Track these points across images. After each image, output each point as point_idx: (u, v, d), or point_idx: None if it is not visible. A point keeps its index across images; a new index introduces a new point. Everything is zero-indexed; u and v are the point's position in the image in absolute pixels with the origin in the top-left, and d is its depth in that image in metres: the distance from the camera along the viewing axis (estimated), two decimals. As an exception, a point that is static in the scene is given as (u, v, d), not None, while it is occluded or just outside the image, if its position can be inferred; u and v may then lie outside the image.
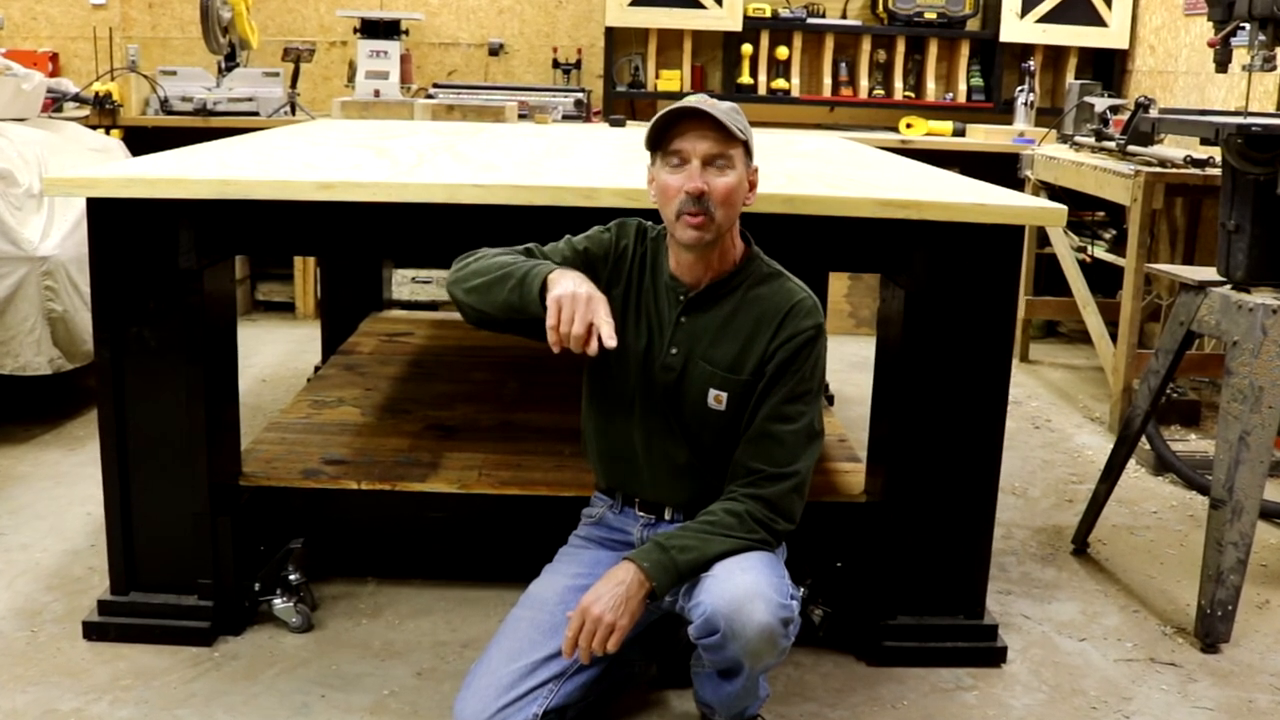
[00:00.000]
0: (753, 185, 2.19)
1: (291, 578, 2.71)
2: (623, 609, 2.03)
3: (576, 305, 2.01)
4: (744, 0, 6.08)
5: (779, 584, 2.05)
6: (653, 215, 2.24)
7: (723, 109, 2.10)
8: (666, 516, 2.30)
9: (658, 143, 2.14)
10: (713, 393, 2.20)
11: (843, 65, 6.36)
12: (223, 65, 5.81)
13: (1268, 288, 2.87)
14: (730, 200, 2.11)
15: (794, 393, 2.16)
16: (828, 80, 6.32)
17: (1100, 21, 6.11)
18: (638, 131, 4.07)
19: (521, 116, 5.57)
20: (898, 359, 2.62)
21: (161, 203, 2.44)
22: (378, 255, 4.77)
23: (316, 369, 4.31)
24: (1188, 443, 4.32)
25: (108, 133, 5.22)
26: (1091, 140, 4.97)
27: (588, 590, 2.09)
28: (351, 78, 5.82)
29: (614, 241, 2.27)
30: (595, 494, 2.44)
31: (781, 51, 6.27)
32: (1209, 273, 3.05)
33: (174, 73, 5.79)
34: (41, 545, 3.14)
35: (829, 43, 6.28)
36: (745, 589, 2.00)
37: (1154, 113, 4.36)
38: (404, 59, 5.83)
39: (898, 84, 6.33)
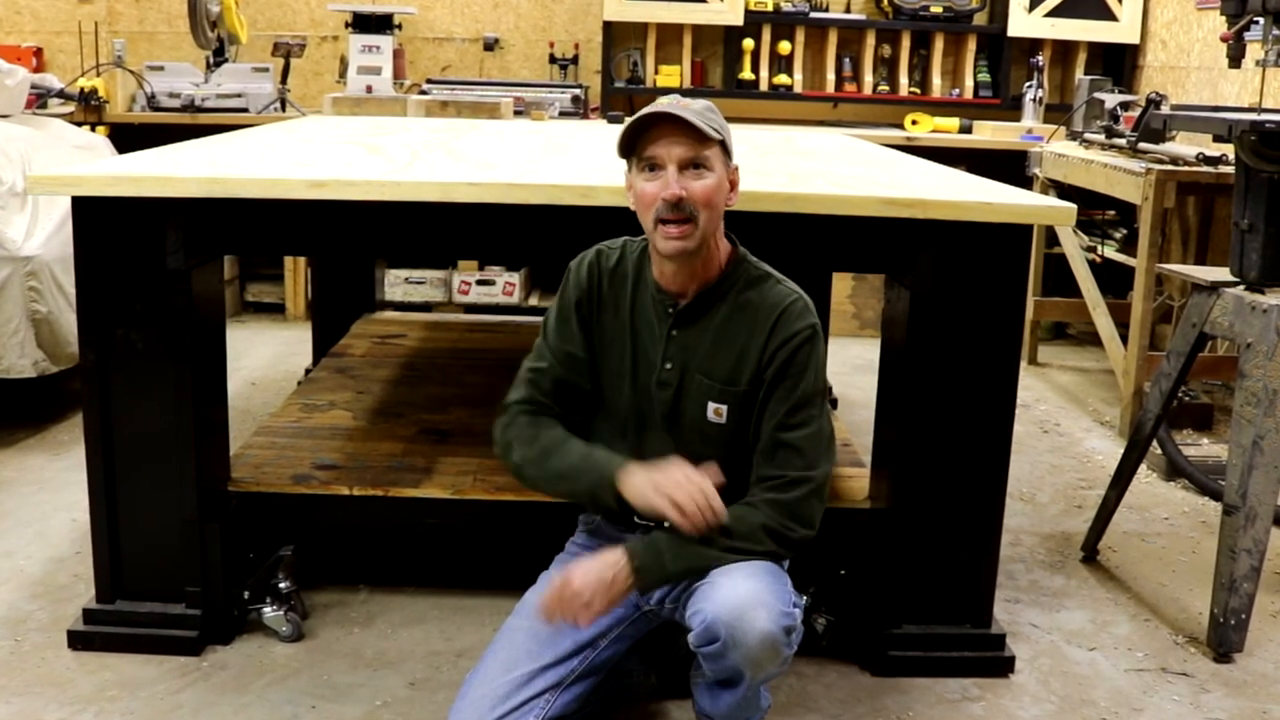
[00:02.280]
0: (734, 185, 2.17)
1: (281, 586, 2.71)
2: (601, 593, 2.05)
3: (687, 488, 2.04)
4: (745, -6, 6.10)
5: (781, 592, 2.06)
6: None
7: (695, 109, 2.09)
8: (666, 527, 2.29)
9: (630, 149, 2.13)
10: (712, 406, 2.19)
11: (846, 60, 6.37)
12: (211, 60, 5.82)
13: (1282, 288, 2.88)
14: (711, 203, 2.09)
15: (800, 398, 2.15)
16: (831, 76, 6.33)
17: (1110, 16, 6.12)
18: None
19: (517, 113, 5.58)
20: (903, 362, 2.62)
21: (148, 201, 2.44)
22: (370, 255, 4.77)
23: (307, 372, 4.32)
24: (1200, 447, 4.33)
25: (93, 130, 5.21)
26: (1101, 137, 4.98)
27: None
28: (343, 73, 5.83)
29: (581, 284, 2.26)
30: (593, 501, 2.44)
31: (784, 46, 6.28)
32: (1222, 273, 3.05)
33: (161, 68, 5.79)
34: (25, 552, 3.14)
35: (832, 37, 6.29)
36: (747, 596, 2.00)
37: (1165, 109, 4.37)
38: (397, 54, 5.84)
39: (903, 80, 6.33)
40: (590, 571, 2.07)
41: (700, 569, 2.08)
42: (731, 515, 2.11)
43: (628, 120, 2.13)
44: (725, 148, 2.13)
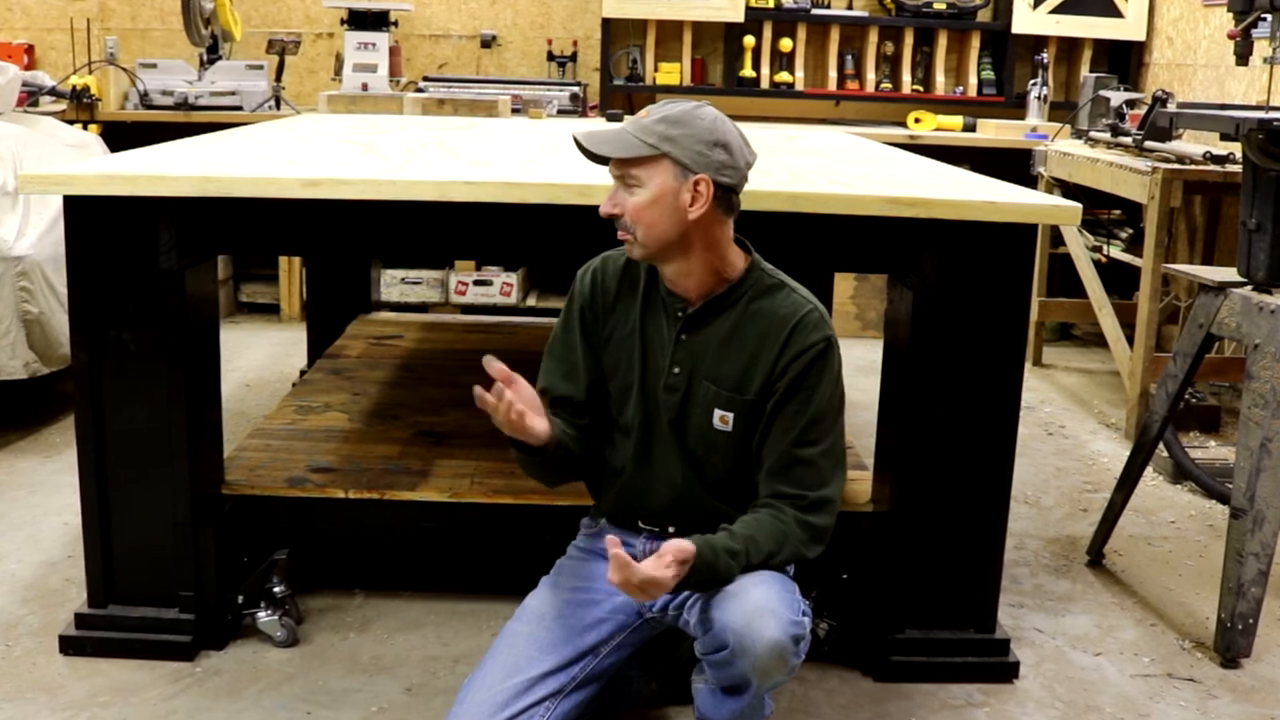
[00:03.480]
0: (696, 197, 2.09)
1: (276, 590, 2.71)
2: (655, 579, 1.98)
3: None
4: (746, -10, 6.10)
5: (790, 600, 2.05)
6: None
7: (645, 121, 2.08)
8: (671, 532, 2.29)
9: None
10: (718, 413, 2.19)
11: (849, 58, 6.37)
12: (205, 58, 5.82)
13: (1290, 289, 2.88)
14: (643, 218, 2.09)
15: (815, 414, 2.14)
16: (833, 73, 6.33)
17: (1116, 12, 6.12)
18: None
19: (515, 111, 5.58)
20: (906, 363, 2.62)
21: (141, 201, 2.44)
22: (366, 255, 4.77)
23: (302, 373, 4.32)
24: (1207, 450, 4.33)
25: (85, 128, 5.22)
26: (1107, 136, 4.98)
27: (588, 604, 2.14)
28: (338, 71, 5.83)
29: (585, 293, 2.29)
30: (595, 504, 2.44)
31: (785, 43, 6.28)
32: (1229, 273, 3.05)
33: (154, 65, 5.79)
34: (16, 556, 3.14)
35: (834, 34, 6.28)
36: (756, 604, 2.00)
37: (1172, 107, 4.37)
38: (393, 51, 5.84)
39: (906, 77, 6.34)
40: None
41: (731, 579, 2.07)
42: (766, 534, 2.10)
43: None
44: (676, 161, 2.07)
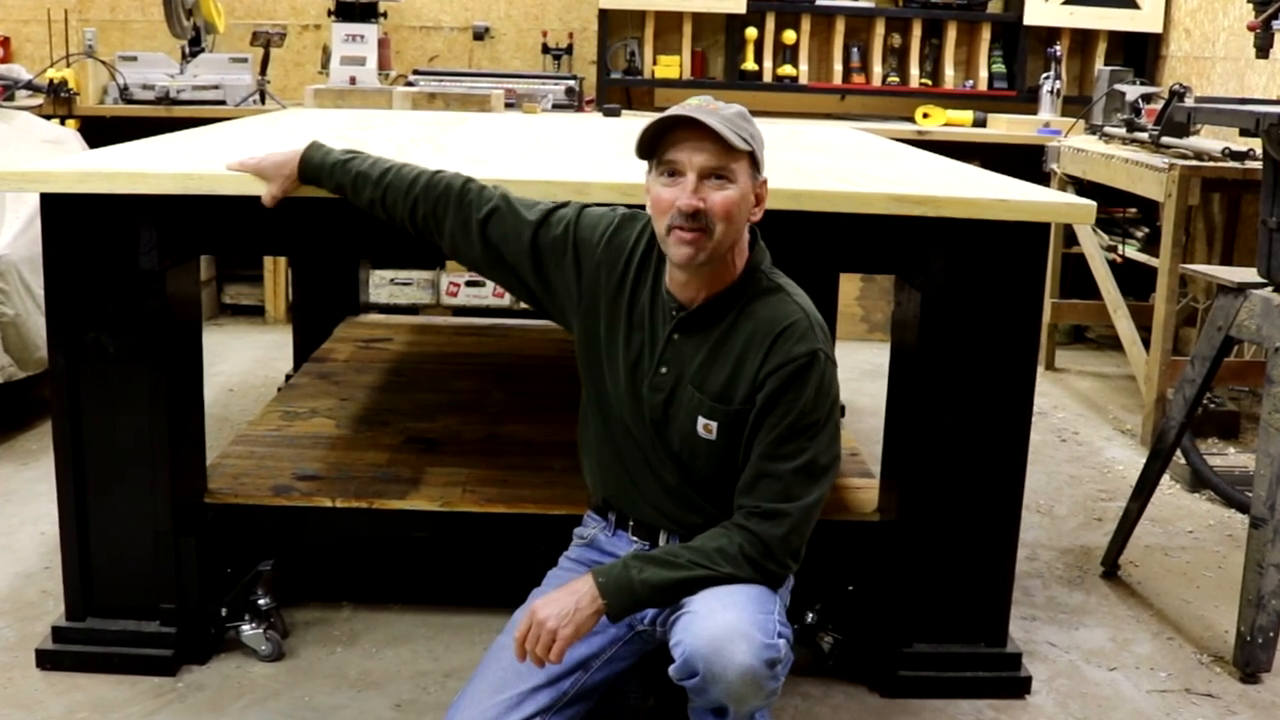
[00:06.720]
0: (760, 199, 2.13)
1: (261, 602, 2.71)
2: (569, 621, 2.04)
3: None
4: (748, -20, 6.11)
5: (764, 621, 2.01)
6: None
7: (727, 114, 2.05)
8: (661, 541, 2.29)
9: (651, 151, 2.11)
10: (702, 421, 2.17)
11: (854, 50, 6.38)
12: (187, 50, 5.82)
13: (1311, 290, 2.89)
14: (731, 217, 2.06)
15: (793, 428, 2.10)
16: (838, 67, 6.34)
17: (1132, 3, 6.13)
18: (633, 121, 4.07)
19: (508, 105, 5.58)
20: (914, 367, 2.62)
21: (121, 198, 2.44)
22: (354, 255, 4.77)
23: (288, 377, 4.32)
24: (1226, 457, 4.33)
25: (63, 123, 5.23)
26: (1122, 131, 4.99)
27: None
28: (325, 64, 5.83)
29: (611, 231, 2.25)
30: (588, 514, 2.44)
31: (789, 35, 6.29)
32: (1249, 274, 3.06)
33: (134, 58, 5.79)
34: (-9, 568, 3.15)
35: (840, 26, 6.29)
36: (725, 628, 1.97)
37: (1190, 101, 4.38)
38: (382, 43, 5.85)
39: (914, 70, 6.35)
40: (554, 602, 2.06)
41: (670, 585, 2.06)
42: (706, 538, 2.11)
43: (651, 119, 2.09)
44: (754, 160, 2.10)
